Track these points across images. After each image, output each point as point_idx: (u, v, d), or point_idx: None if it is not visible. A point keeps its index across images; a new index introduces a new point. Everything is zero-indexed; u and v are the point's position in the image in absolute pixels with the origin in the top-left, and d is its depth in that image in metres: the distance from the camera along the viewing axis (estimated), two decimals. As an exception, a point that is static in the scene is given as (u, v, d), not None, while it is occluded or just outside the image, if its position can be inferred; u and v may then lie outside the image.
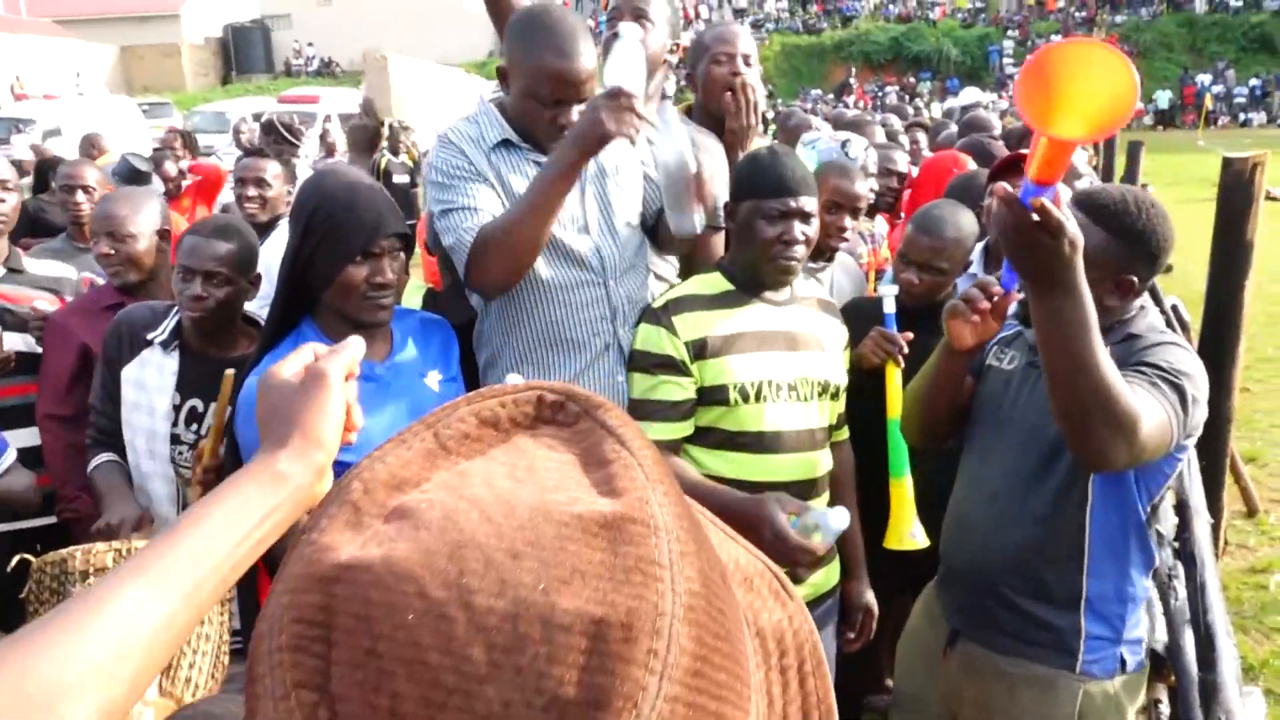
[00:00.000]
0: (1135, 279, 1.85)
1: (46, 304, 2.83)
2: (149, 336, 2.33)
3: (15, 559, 1.66)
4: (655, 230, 2.33)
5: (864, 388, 2.46)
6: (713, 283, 2.21)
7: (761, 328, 2.17)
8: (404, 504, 0.45)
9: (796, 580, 2.17)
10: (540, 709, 0.39)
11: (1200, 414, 1.80)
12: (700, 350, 2.12)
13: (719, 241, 2.46)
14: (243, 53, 40.90)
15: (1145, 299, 1.94)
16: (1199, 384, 1.79)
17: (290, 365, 0.93)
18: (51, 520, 2.56)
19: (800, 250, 2.14)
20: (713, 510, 1.96)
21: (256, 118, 21.54)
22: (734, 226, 2.21)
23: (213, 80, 39.99)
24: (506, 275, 2.03)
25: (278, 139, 6.08)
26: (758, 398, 2.13)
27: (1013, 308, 1.93)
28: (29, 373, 2.71)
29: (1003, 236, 1.49)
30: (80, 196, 3.64)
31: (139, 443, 2.32)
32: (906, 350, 2.44)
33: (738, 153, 2.44)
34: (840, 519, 1.84)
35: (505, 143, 2.12)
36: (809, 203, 2.13)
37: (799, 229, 2.11)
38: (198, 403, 2.32)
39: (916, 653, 2.22)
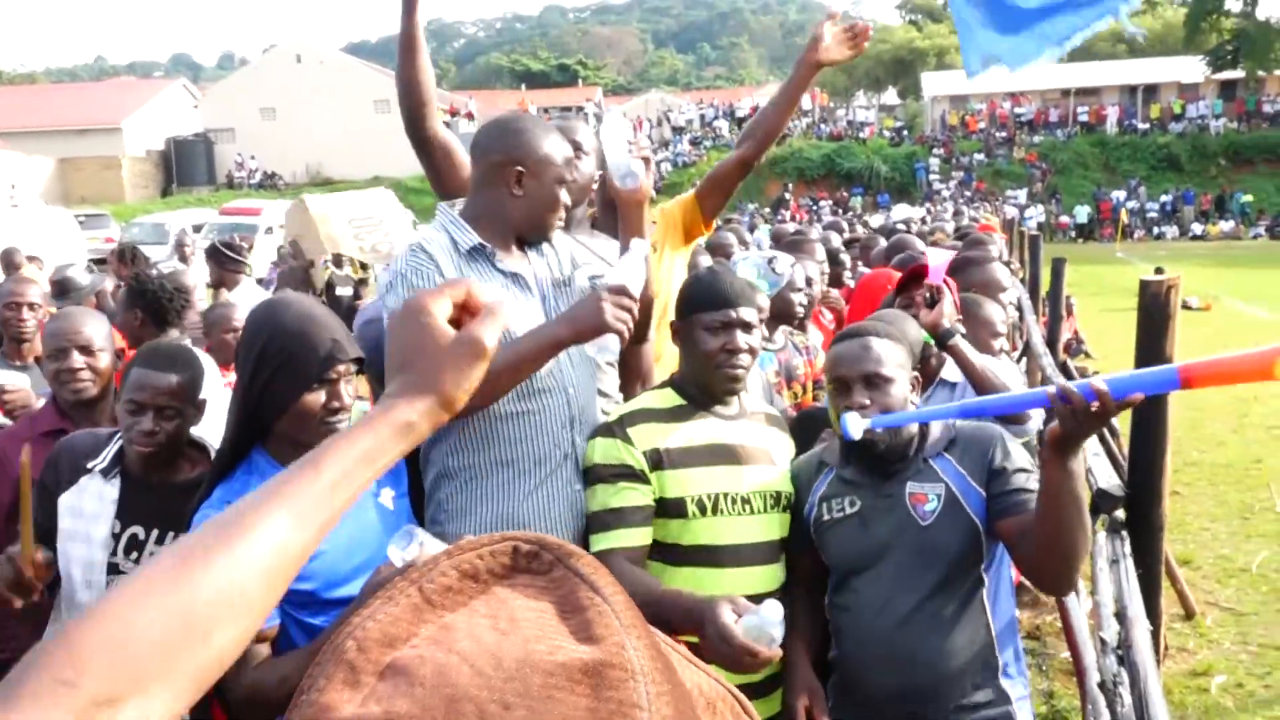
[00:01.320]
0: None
1: None
2: (89, 465, 2.25)
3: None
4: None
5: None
6: (664, 398, 2.27)
7: (713, 440, 2.22)
8: (397, 661, 0.47)
9: (754, 690, 2.17)
10: None
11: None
12: (656, 461, 2.15)
13: (649, 352, 2.61)
14: (184, 165, 41.04)
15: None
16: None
17: (443, 305, 0.88)
18: None
19: (744, 359, 2.21)
20: (673, 615, 1.96)
21: (196, 229, 21.53)
22: (680, 344, 2.28)
23: (153, 192, 39.94)
24: (467, 411, 2.06)
25: (222, 261, 6.08)
26: (714, 510, 2.16)
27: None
28: None
29: (1063, 417, 1.76)
30: (25, 313, 3.59)
31: (75, 573, 2.22)
32: None
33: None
34: (772, 610, 1.80)
35: (477, 249, 2.18)
36: (749, 313, 2.21)
37: (741, 338, 2.19)
38: (139, 530, 2.24)
39: None
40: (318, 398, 1.86)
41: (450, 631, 0.48)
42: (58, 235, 19.33)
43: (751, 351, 2.23)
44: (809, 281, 3.75)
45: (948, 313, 2.74)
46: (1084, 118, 40.91)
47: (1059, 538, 1.88)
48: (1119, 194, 36.53)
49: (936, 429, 2.20)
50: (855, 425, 1.98)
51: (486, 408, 2.09)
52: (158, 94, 45.96)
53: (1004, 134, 41.24)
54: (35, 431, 2.58)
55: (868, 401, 2.08)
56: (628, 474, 2.15)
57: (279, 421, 1.88)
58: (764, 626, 1.81)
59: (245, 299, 5.56)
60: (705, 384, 2.24)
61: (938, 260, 3.22)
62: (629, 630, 0.49)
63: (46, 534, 2.23)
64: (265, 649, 1.77)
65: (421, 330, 0.86)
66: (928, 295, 2.78)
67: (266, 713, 1.74)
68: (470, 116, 43.88)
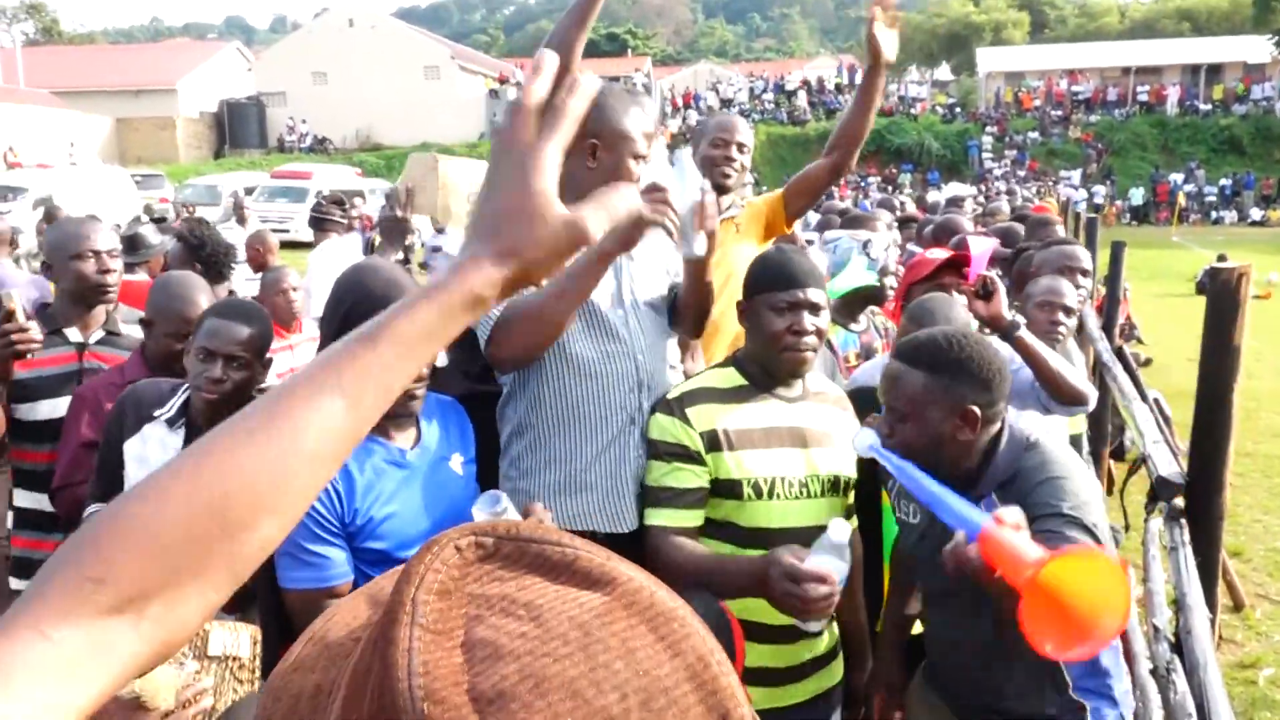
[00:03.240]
0: (975, 408, 1.90)
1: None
2: (155, 414, 2.33)
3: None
4: (672, 312, 2.42)
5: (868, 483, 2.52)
6: (727, 377, 2.27)
7: (773, 424, 2.22)
8: (476, 688, 0.46)
9: (803, 675, 2.21)
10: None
11: (1104, 529, 1.86)
12: (713, 442, 2.16)
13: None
14: (237, 128, 41.51)
15: (1009, 418, 1.99)
16: (1095, 503, 1.86)
17: (550, 177, 0.78)
18: None
19: (810, 340, 2.18)
20: (735, 578, 1.98)
21: (248, 191, 21.80)
22: (745, 323, 2.28)
23: (205, 153, 40.47)
24: (527, 351, 2.11)
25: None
26: (770, 494, 2.17)
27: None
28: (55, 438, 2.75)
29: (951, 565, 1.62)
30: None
31: None
32: None
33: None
34: (838, 530, 1.81)
35: None
36: (817, 294, 2.18)
37: (808, 319, 2.17)
38: None
39: None
40: None
41: (486, 646, 0.47)
42: (115, 194, 19.72)
43: (819, 333, 2.20)
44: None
45: (1004, 304, 2.69)
46: (1144, 97, 39.92)
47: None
48: (1177, 176, 35.67)
49: (1001, 461, 1.97)
50: (863, 441, 1.96)
51: (553, 341, 2.11)
52: (212, 56, 46.48)
53: (1059, 112, 40.39)
54: (124, 380, 2.66)
55: (888, 431, 2.00)
56: (682, 454, 2.17)
57: None
58: (828, 553, 1.81)
59: (332, 255, 5.66)
60: (769, 365, 2.22)
61: (979, 249, 3.16)
62: (614, 559, 0.52)
63: (114, 479, 2.31)
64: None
65: (528, 197, 0.76)
66: (980, 287, 2.71)
67: None
68: (518, 85, 43.82)
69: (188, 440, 2.31)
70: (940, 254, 3.16)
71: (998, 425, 1.97)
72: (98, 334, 2.96)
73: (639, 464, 2.24)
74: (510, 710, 0.44)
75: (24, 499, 2.91)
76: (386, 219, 3.05)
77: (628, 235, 1.98)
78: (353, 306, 1.92)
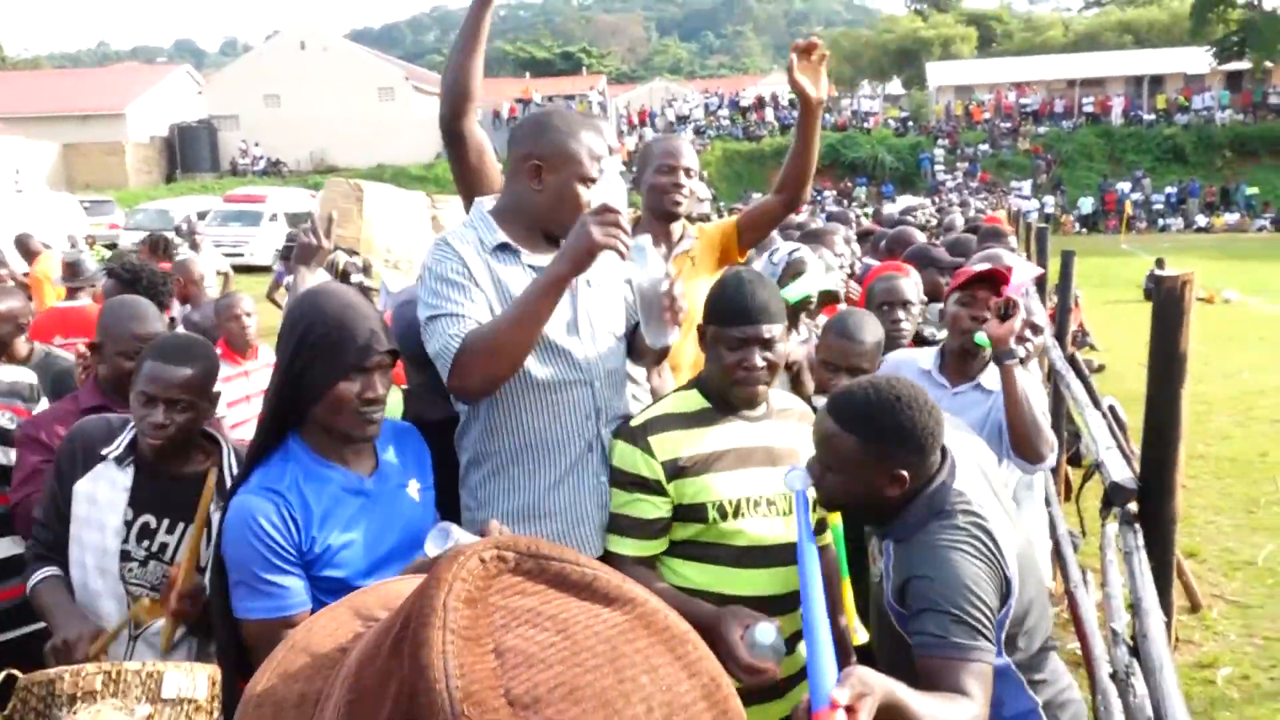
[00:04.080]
0: (904, 471, 1.87)
1: (11, 414, 2.79)
2: (103, 452, 2.27)
3: (2, 674, 1.62)
4: (632, 341, 2.41)
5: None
6: (689, 400, 2.27)
7: (739, 444, 2.22)
8: (512, 693, 0.48)
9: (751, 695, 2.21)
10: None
11: (1001, 604, 1.84)
12: (677, 470, 2.16)
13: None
14: (188, 151, 40.98)
15: (946, 470, 1.94)
16: (986, 592, 1.79)
17: None
18: (39, 626, 2.44)
19: (760, 374, 2.18)
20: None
21: (201, 216, 21.54)
22: (704, 348, 2.28)
23: (156, 178, 39.92)
24: (488, 382, 2.08)
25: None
26: (736, 514, 2.17)
27: None
28: (2, 483, 2.68)
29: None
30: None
31: (87, 560, 2.24)
32: None
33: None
34: (765, 634, 1.92)
35: (502, 246, 2.19)
36: (771, 329, 2.17)
37: (758, 356, 2.16)
38: (150, 519, 2.26)
39: None
40: (353, 386, 1.88)
41: (517, 654, 0.48)
42: (63, 221, 19.36)
43: (771, 368, 2.20)
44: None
45: (1016, 332, 2.69)
46: (1089, 108, 40.79)
47: None
48: (1124, 185, 36.44)
49: (911, 519, 1.92)
50: (795, 479, 1.97)
51: (515, 370, 2.10)
52: (161, 80, 45.86)
53: (1009, 124, 41.13)
54: (79, 409, 2.60)
55: (818, 476, 1.97)
56: (641, 484, 2.17)
57: (315, 408, 1.90)
58: (766, 646, 1.89)
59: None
60: (724, 395, 2.23)
61: (1023, 275, 3.17)
62: (629, 581, 0.55)
63: (62, 518, 2.26)
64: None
65: None
66: (1002, 308, 2.72)
67: None
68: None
69: (136, 479, 2.25)
70: (981, 266, 3.16)
71: (926, 480, 1.93)
72: None
73: (600, 490, 2.23)
74: (546, 715, 0.46)
75: None
76: (301, 245, 2.97)
77: (579, 259, 1.98)
78: (307, 329, 1.90)
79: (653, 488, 2.16)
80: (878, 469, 1.89)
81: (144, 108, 41.99)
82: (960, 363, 3.04)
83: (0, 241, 14.54)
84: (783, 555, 2.21)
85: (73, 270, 5.96)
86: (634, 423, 2.24)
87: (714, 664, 0.53)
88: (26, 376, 3.07)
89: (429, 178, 38.39)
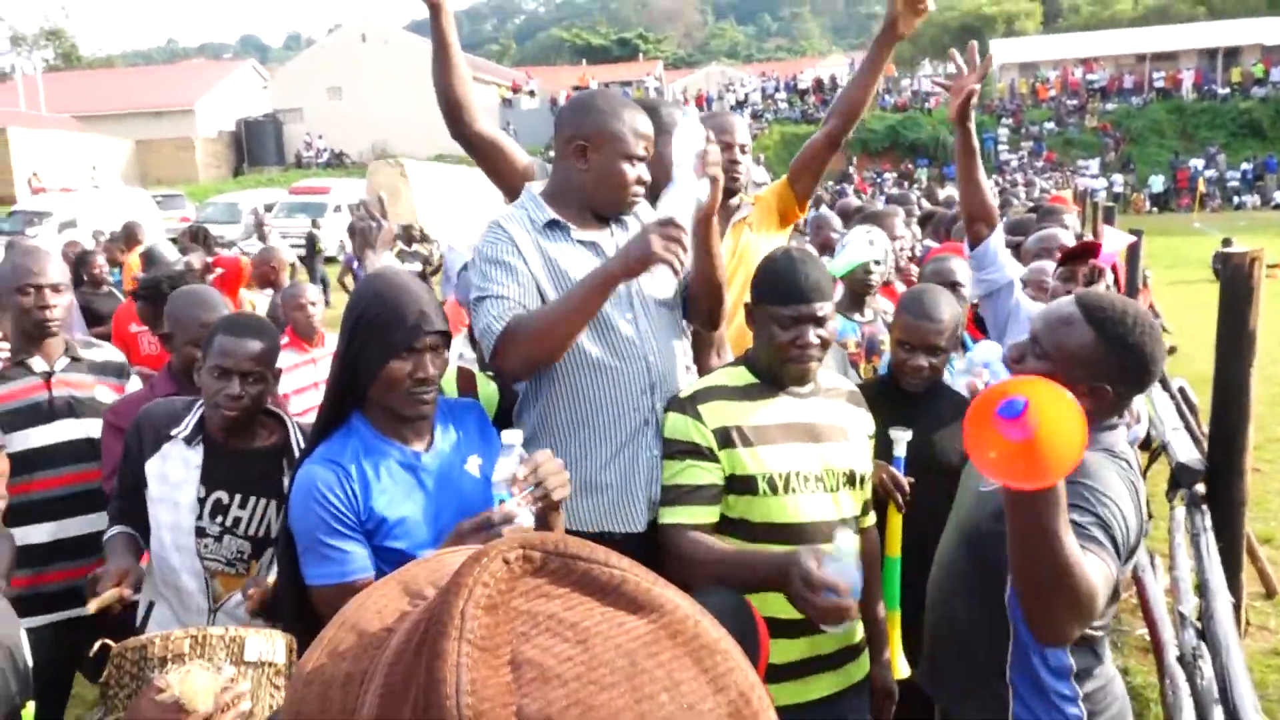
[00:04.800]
0: (1110, 389, 1.84)
1: (108, 390, 2.97)
2: (172, 433, 2.38)
3: (97, 644, 1.72)
4: (686, 302, 2.43)
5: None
6: (738, 375, 2.30)
7: (786, 420, 2.25)
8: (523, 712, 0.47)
9: (827, 667, 2.22)
10: None
11: (1134, 536, 1.78)
12: (726, 439, 2.19)
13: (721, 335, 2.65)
14: (255, 145, 41.89)
15: (1123, 422, 1.90)
16: (1128, 513, 1.77)
17: None
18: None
19: (814, 352, 2.21)
20: (756, 572, 1.99)
21: (268, 208, 22.10)
22: (753, 326, 2.30)
23: (225, 172, 40.86)
24: (527, 366, 2.15)
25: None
26: (786, 488, 2.19)
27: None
28: (92, 459, 2.82)
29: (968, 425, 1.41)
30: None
31: (165, 536, 2.35)
32: (909, 498, 2.56)
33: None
34: (846, 539, 1.88)
35: (552, 224, 2.25)
36: (823, 307, 2.19)
37: (812, 333, 2.18)
38: (222, 495, 2.36)
39: None
40: (404, 366, 1.93)
41: (534, 667, 0.48)
42: (137, 215, 19.92)
43: (824, 344, 2.22)
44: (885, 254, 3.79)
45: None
46: (1160, 83, 39.55)
47: (1013, 564, 1.58)
48: (1197, 162, 35.31)
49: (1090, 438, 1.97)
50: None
51: (557, 357, 2.15)
52: (228, 75, 46.93)
53: (1075, 102, 40.10)
54: (155, 395, 2.72)
55: (1017, 356, 1.95)
56: (694, 451, 2.19)
57: (371, 389, 1.97)
58: (839, 562, 1.86)
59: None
60: (774, 370, 2.25)
61: (1113, 244, 3.22)
62: (661, 583, 0.53)
63: (135, 495, 2.38)
64: None
65: None
66: (1089, 275, 2.78)
67: None
68: (532, 94, 44.02)
69: (206, 456, 2.36)
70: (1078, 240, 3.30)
71: (1111, 411, 1.89)
72: (62, 361, 2.97)
73: (653, 464, 2.27)
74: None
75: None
76: (361, 230, 3.03)
77: (633, 266, 2.03)
78: (362, 311, 1.97)
79: (705, 454, 2.19)
80: (1091, 373, 1.84)
81: (212, 103, 43.02)
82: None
83: (84, 234, 15.09)
84: (829, 533, 2.23)
85: (151, 261, 6.19)
86: (683, 394, 2.28)
87: (745, 676, 0.51)
88: (116, 356, 3.21)
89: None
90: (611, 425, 2.24)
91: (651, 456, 2.27)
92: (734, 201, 3.04)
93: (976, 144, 2.97)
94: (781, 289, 2.19)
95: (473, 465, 2.13)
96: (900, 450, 2.59)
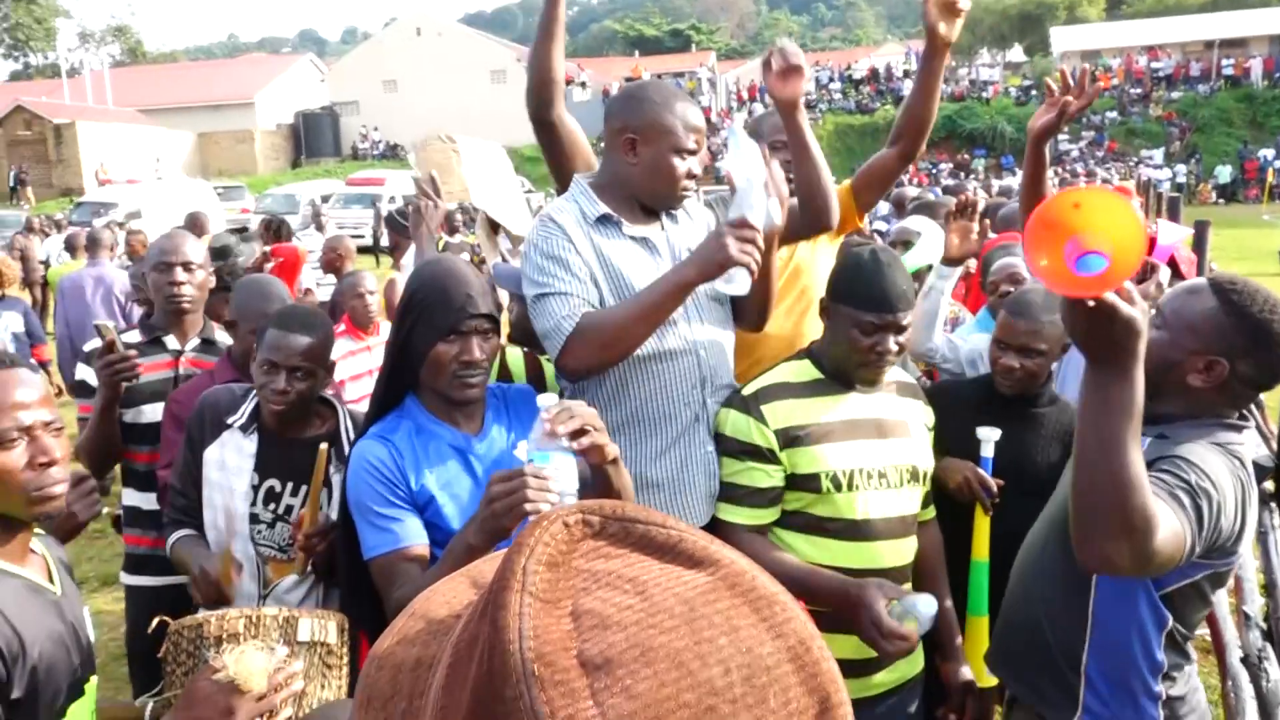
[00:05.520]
0: (1226, 365, 1.76)
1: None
2: (228, 420, 2.42)
3: (155, 620, 1.76)
4: (735, 305, 2.40)
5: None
6: (802, 370, 2.27)
7: (852, 416, 2.22)
8: (585, 655, 0.48)
9: (882, 665, 2.19)
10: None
11: (1228, 526, 1.69)
12: (791, 439, 2.17)
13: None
14: (312, 137, 42.54)
15: (1249, 426, 1.80)
16: (1225, 498, 1.68)
17: None
18: (177, 580, 2.64)
19: (891, 359, 2.19)
20: (821, 594, 1.98)
21: (325, 199, 22.38)
22: (828, 322, 2.26)
23: (283, 164, 41.57)
24: (598, 364, 2.13)
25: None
26: (850, 486, 2.17)
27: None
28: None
29: (1063, 310, 1.43)
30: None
31: (219, 522, 2.40)
32: (997, 500, 2.44)
33: None
34: (929, 605, 1.90)
35: (604, 219, 2.24)
36: (905, 316, 2.16)
37: (893, 341, 2.16)
38: (275, 483, 2.41)
39: None
40: (450, 349, 1.94)
41: (593, 616, 0.49)
42: (200, 206, 20.35)
43: (901, 350, 2.20)
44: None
45: (1150, 295, 2.60)
46: (1229, 70, 38.38)
47: (1074, 473, 1.53)
48: (1266, 152, 34.20)
49: (1203, 422, 1.85)
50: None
51: (626, 358, 2.14)
52: (287, 69, 47.72)
53: (1139, 90, 39.10)
54: (214, 383, 2.78)
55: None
56: (754, 453, 2.18)
57: (421, 371, 1.99)
58: (917, 613, 1.86)
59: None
60: (845, 369, 2.22)
61: (1169, 237, 3.10)
62: (717, 543, 0.54)
63: (195, 483, 2.43)
64: (415, 568, 1.87)
65: None
66: (1142, 270, 2.68)
67: None
68: (584, 85, 44.11)
69: (260, 445, 2.40)
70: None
71: (1228, 398, 1.81)
72: (194, 341, 3.10)
73: (708, 459, 2.25)
74: (617, 676, 0.46)
75: (131, 498, 3.06)
76: (415, 212, 3.03)
77: (709, 270, 2.01)
78: (412, 295, 2.00)
79: (766, 456, 2.17)
80: (1208, 343, 1.77)
81: (271, 96, 43.78)
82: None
83: (149, 224, 15.46)
84: (894, 528, 2.21)
85: (221, 255, 6.32)
86: (745, 392, 2.25)
87: (804, 627, 0.52)
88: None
89: (539, 158, 38.86)
90: (661, 420, 2.23)
91: (706, 453, 2.25)
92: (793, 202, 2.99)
93: (1048, 160, 2.83)
94: (866, 294, 2.14)
95: (521, 451, 2.14)
96: (988, 451, 2.48)
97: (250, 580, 2.38)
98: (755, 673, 0.48)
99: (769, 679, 0.48)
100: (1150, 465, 1.63)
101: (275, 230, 7.87)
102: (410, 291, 2.01)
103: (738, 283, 2.05)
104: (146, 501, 2.99)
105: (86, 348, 3.00)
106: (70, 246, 10.06)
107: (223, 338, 3.19)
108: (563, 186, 2.56)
